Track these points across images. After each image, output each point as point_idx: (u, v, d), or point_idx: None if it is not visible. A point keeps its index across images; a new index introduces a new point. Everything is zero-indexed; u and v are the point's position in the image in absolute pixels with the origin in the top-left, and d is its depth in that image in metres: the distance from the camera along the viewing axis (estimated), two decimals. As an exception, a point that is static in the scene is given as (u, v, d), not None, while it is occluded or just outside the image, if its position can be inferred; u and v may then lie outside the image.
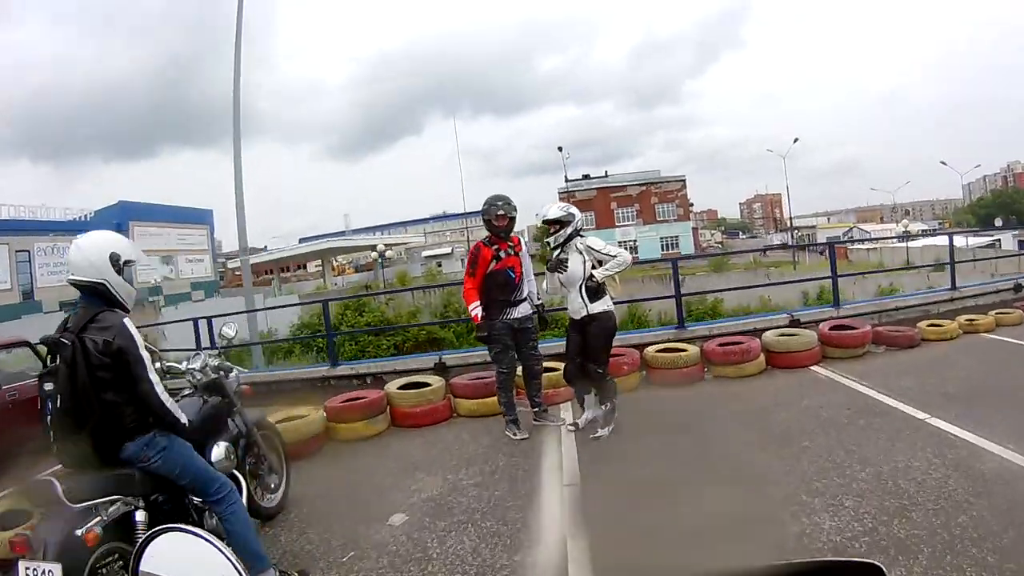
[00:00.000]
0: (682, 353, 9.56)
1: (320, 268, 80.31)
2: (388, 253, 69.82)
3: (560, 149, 74.13)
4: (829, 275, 13.45)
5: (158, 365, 4.63)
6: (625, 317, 21.22)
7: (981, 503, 4.78)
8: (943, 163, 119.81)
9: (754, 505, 5.20)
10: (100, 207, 59.53)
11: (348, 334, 18.95)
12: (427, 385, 8.94)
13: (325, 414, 8.37)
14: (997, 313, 11.80)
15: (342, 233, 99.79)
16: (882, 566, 1.43)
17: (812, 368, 9.55)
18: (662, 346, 10.02)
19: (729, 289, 28.01)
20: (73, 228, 56.73)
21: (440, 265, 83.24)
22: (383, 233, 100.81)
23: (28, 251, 56.19)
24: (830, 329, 10.35)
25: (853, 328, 10.34)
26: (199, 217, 67.98)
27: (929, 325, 11.06)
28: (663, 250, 74.63)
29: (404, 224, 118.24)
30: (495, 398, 8.06)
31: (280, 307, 18.82)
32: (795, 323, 10.91)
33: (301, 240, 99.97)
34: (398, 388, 8.94)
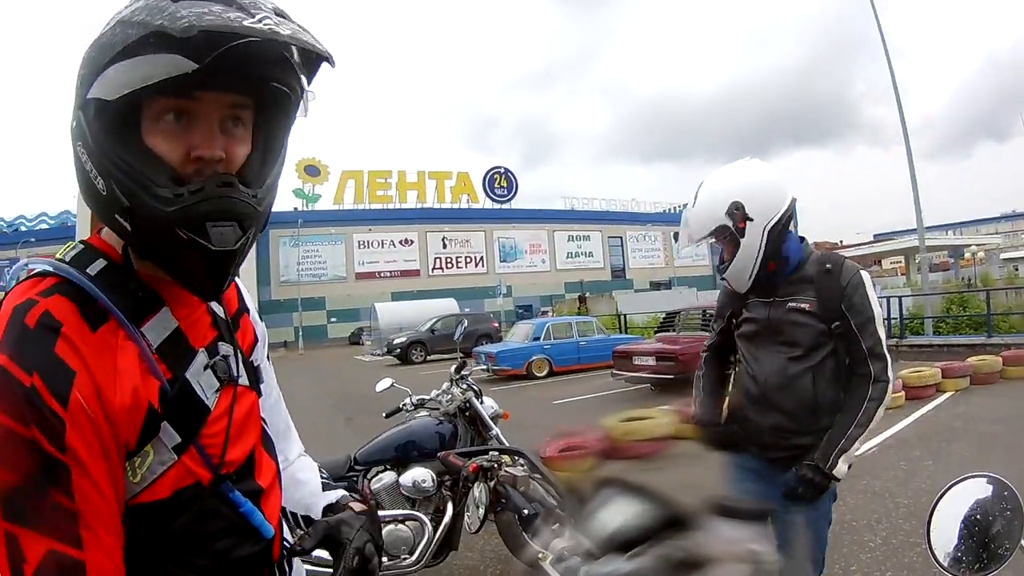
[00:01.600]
0: None
1: (897, 265, 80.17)
2: (979, 255, 67.78)
3: None
4: None
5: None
6: None
7: None
8: None
9: None
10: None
11: (1002, 314, 21.17)
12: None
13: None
14: None
15: (913, 231, 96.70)
16: None
17: None
18: None
19: None
20: (659, 219, 66.50)
21: (1017, 269, 78.27)
22: (954, 232, 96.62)
23: (620, 237, 67.99)
24: None
25: None
26: None
27: None
28: None
29: (976, 223, 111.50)
30: None
31: (924, 294, 21.47)
32: None
33: (876, 236, 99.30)
34: None
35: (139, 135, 1.03)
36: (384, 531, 4.18)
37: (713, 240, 2.80)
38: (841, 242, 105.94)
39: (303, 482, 1.57)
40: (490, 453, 2.13)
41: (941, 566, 1.56)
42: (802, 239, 2.87)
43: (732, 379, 3.13)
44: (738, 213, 2.67)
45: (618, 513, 1.18)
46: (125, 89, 0.99)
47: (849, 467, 2.61)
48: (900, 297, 18.89)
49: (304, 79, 1.09)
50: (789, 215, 2.76)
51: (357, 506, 1.50)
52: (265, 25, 0.96)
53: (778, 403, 2.78)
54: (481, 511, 2.06)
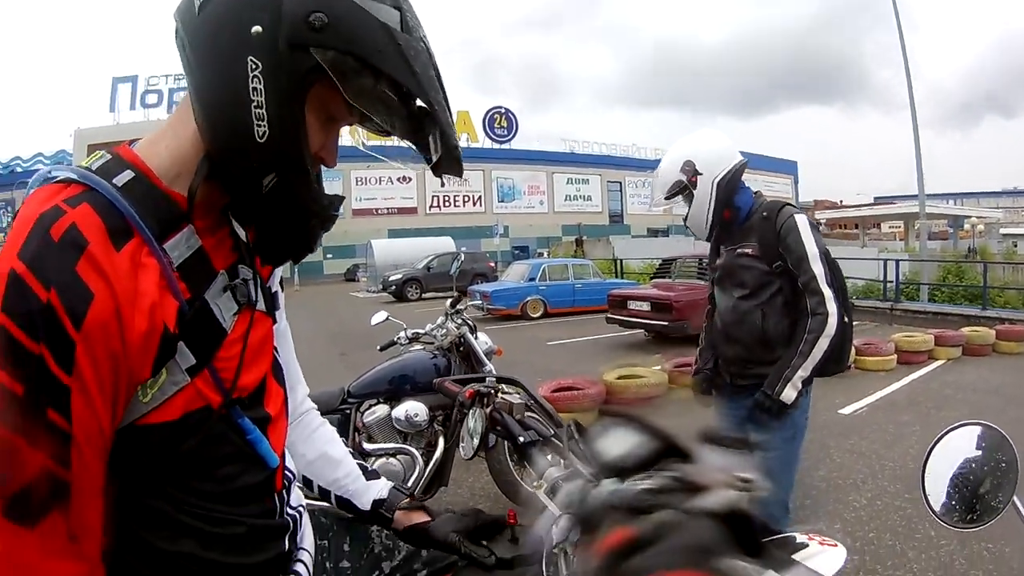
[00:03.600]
0: None
1: (895, 230, 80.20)
2: (978, 227, 67.73)
3: None
4: None
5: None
6: None
7: None
8: None
9: None
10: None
11: (999, 288, 21.26)
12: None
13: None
14: None
15: (914, 197, 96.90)
16: None
17: None
18: None
19: None
20: (650, 165, 66.88)
21: (1016, 245, 78.37)
22: (956, 202, 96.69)
23: (620, 182, 68.21)
24: None
25: None
26: (784, 167, 73.98)
27: None
28: None
29: (977, 195, 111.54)
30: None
31: (924, 260, 21.53)
32: None
33: (876, 199, 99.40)
34: None
35: (303, 104, 1.03)
36: (375, 464, 4.27)
37: (676, 196, 3.30)
38: (841, 202, 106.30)
39: (338, 461, 1.58)
40: (487, 380, 2.14)
41: (936, 514, 1.58)
42: (756, 193, 3.38)
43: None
44: (689, 169, 3.18)
45: (617, 442, 1.19)
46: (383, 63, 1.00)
47: (799, 394, 3.02)
48: (897, 261, 19.03)
49: None
50: (737, 170, 3.23)
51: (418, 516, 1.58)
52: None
53: (736, 336, 3.30)
54: (476, 439, 2.06)
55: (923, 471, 1.61)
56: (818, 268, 3.03)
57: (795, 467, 3.33)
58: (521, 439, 1.74)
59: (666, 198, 3.33)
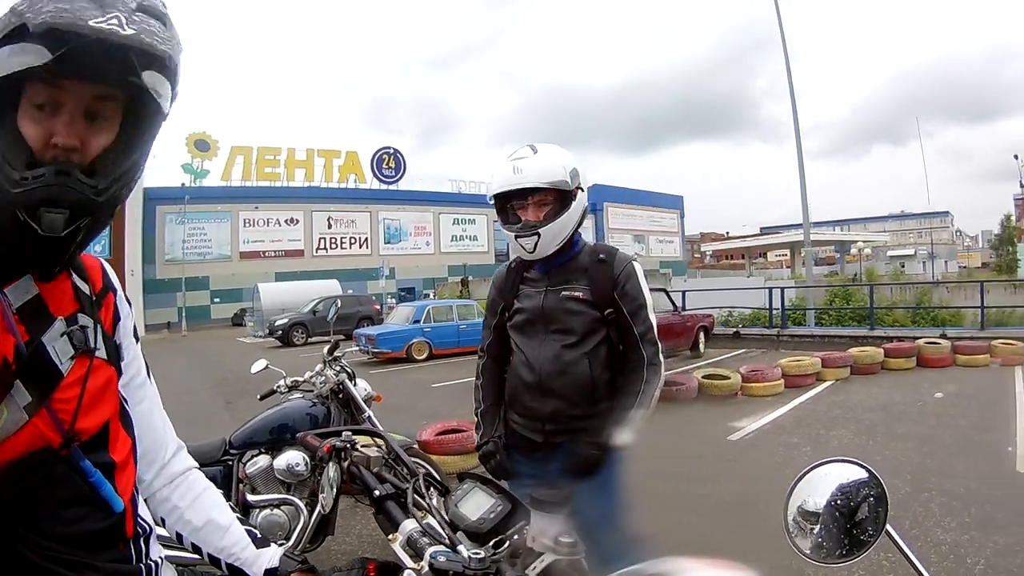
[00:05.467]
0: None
1: (782, 258, 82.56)
2: (865, 251, 70.11)
3: (1016, 157, 69.97)
4: None
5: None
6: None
7: None
8: None
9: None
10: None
11: (886, 308, 22.10)
12: (937, 342, 14.17)
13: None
14: None
15: (800, 226, 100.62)
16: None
17: None
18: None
19: None
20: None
21: (903, 266, 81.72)
22: (842, 228, 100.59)
23: None
24: None
25: None
26: (671, 202, 75.22)
27: None
28: None
29: (863, 220, 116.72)
30: (978, 356, 13.28)
31: (808, 286, 22.23)
32: None
33: (763, 229, 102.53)
34: (925, 343, 14.03)
35: (14, 116, 1.09)
36: (259, 516, 4.26)
37: (546, 194, 2.74)
38: (727, 233, 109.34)
39: (225, 528, 1.54)
40: (344, 434, 2.06)
41: (801, 552, 1.53)
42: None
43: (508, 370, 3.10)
44: (575, 179, 2.77)
45: (473, 504, 1.40)
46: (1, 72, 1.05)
47: (632, 437, 2.73)
48: (782, 288, 19.57)
49: (159, 76, 1.12)
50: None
51: None
52: (108, 25, 1.03)
53: (557, 389, 2.84)
54: (333, 491, 2.07)
55: (785, 510, 1.59)
56: (653, 318, 2.88)
57: (625, 506, 2.95)
58: (376, 493, 1.74)
59: (537, 189, 2.74)
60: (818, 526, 1.53)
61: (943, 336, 15.21)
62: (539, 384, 2.86)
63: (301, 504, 4.33)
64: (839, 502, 1.53)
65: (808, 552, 1.52)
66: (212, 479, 1.63)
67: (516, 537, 1.28)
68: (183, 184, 55.54)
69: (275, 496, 4.36)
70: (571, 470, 2.74)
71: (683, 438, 8.23)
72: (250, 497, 4.35)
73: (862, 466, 1.54)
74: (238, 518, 1.59)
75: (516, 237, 2.79)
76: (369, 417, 4.96)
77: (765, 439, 8.29)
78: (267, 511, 4.28)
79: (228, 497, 3.98)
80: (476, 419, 3.14)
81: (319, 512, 4.27)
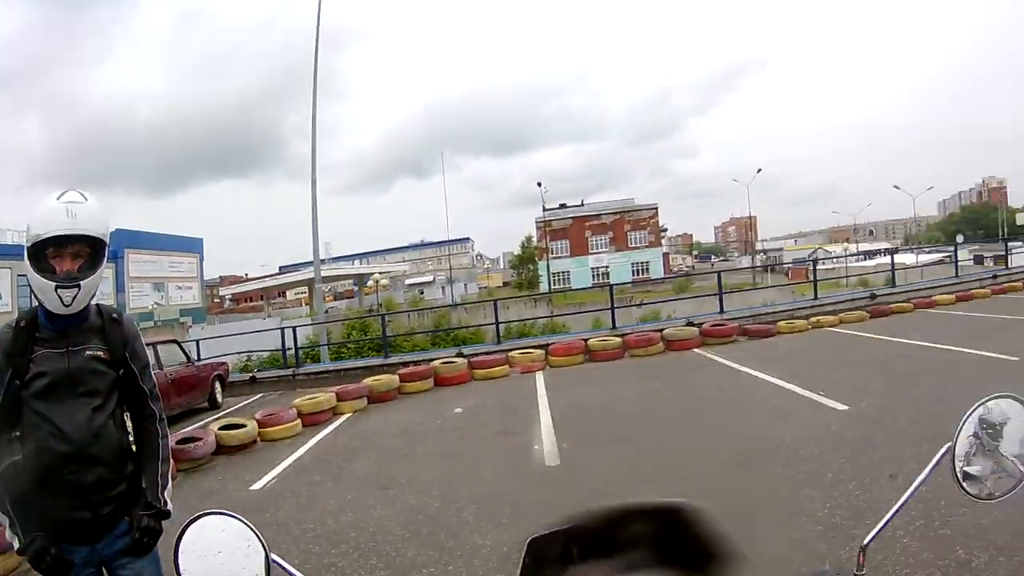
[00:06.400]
0: (610, 341, 15.76)
1: (302, 296, 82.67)
2: (381, 281, 72.55)
3: (539, 184, 76.50)
4: (716, 292, 19.43)
5: None
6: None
7: (744, 395, 10.51)
8: (896, 187, 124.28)
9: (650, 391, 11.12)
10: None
11: (404, 335, 22.55)
12: (454, 361, 15.15)
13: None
14: (843, 313, 17.74)
15: (323, 262, 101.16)
16: (691, 504, 1.56)
17: (694, 349, 15.41)
18: (599, 338, 16.22)
19: (646, 303, 31.40)
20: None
21: (422, 293, 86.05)
22: (362, 262, 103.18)
23: (27, 276, 60.89)
24: (710, 326, 16.36)
25: (724, 325, 16.43)
26: (190, 245, 71.17)
27: (786, 322, 16.99)
28: (634, 275, 78.75)
29: (383, 252, 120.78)
30: (496, 368, 14.57)
31: (322, 322, 22.02)
32: (690, 324, 16.81)
33: (281, 268, 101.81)
34: (441, 363, 14.87)
35: None
36: None
37: (95, 239, 2.59)
38: (247, 275, 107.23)
39: None
40: None
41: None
42: None
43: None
44: (104, 237, 2.64)
45: None
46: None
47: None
48: (294, 327, 19.36)
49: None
50: None
51: None
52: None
53: (97, 455, 2.60)
54: None
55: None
56: (153, 375, 2.88)
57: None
58: None
59: (86, 237, 2.56)
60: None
61: (459, 354, 16.11)
62: (78, 454, 2.56)
63: None
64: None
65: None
66: None
67: None
68: None
69: None
70: (135, 545, 2.62)
71: (202, 496, 7.82)
72: None
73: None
74: None
75: (56, 288, 2.53)
76: None
77: (287, 483, 8.17)
78: None
79: None
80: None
81: None
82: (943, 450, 1.52)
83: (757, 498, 5.50)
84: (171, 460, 2.88)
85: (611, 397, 11.37)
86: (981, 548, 4.35)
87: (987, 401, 1.54)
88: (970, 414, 1.54)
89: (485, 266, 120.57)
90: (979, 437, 1.52)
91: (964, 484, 1.54)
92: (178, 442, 9.21)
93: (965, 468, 1.53)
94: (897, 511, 1.49)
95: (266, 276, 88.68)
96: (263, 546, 1.50)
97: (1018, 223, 79.08)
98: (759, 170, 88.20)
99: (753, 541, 1.51)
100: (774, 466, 6.64)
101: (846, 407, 8.49)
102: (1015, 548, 4.34)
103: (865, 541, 1.49)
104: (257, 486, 8.13)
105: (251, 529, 1.52)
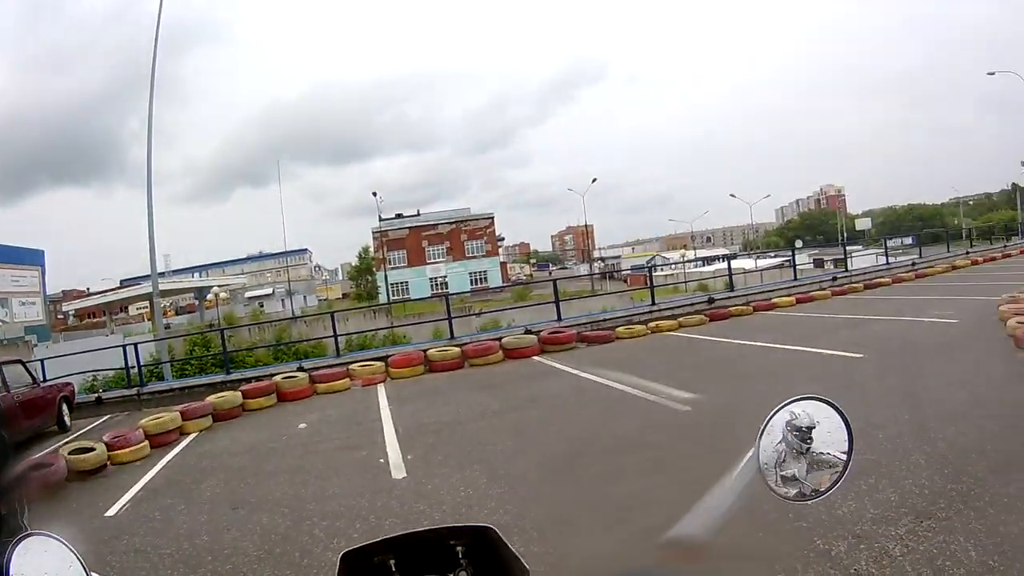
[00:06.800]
0: (449, 351, 16.24)
1: (143, 311, 79.66)
2: (221, 295, 70.87)
3: (375, 194, 77.77)
4: (553, 300, 20.27)
5: None
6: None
7: (578, 397, 11.27)
8: (732, 195, 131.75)
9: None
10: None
11: (247, 350, 22.95)
12: (296, 376, 15.25)
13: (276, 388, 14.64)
14: (682, 318, 18.64)
15: (162, 275, 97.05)
16: (495, 528, 1.69)
17: (534, 357, 16.03)
18: (438, 349, 16.65)
19: (485, 312, 31.91)
20: None
21: (262, 306, 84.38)
22: (203, 274, 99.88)
23: None
24: (549, 333, 17.01)
25: (563, 332, 17.08)
26: (32, 258, 65.12)
27: (625, 328, 17.76)
28: (472, 284, 79.94)
29: (222, 264, 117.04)
30: (337, 381, 14.88)
31: (164, 338, 21.35)
32: (528, 332, 17.48)
33: (122, 282, 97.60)
34: (283, 378, 14.96)
35: None
36: None
37: None
38: (88, 289, 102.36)
39: None
40: None
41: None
42: None
43: None
44: None
45: None
46: None
47: None
48: (136, 344, 18.78)
49: None
50: None
51: None
52: None
53: None
54: None
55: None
56: None
57: None
58: None
59: None
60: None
61: (300, 368, 16.13)
62: None
63: None
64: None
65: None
66: None
67: None
68: None
69: None
70: None
71: (60, 525, 7.48)
72: None
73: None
74: None
75: None
76: None
77: (141, 507, 8.07)
78: None
79: None
80: None
81: None
82: (746, 457, 1.51)
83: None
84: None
85: (452, 406, 11.73)
86: (839, 537, 4.59)
87: (790, 405, 1.51)
88: (771, 418, 1.52)
89: (324, 278, 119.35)
90: (789, 443, 1.49)
91: (783, 489, 1.50)
92: (29, 468, 8.93)
93: (781, 473, 1.51)
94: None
95: (108, 290, 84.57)
96: (83, 567, 1.52)
97: (858, 228, 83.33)
98: (594, 179, 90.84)
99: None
100: (608, 464, 7.18)
101: (687, 408, 9.14)
102: (874, 536, 4.60)
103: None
104: (112, 512, 8.00)
105: (71, 550, 1.55)
